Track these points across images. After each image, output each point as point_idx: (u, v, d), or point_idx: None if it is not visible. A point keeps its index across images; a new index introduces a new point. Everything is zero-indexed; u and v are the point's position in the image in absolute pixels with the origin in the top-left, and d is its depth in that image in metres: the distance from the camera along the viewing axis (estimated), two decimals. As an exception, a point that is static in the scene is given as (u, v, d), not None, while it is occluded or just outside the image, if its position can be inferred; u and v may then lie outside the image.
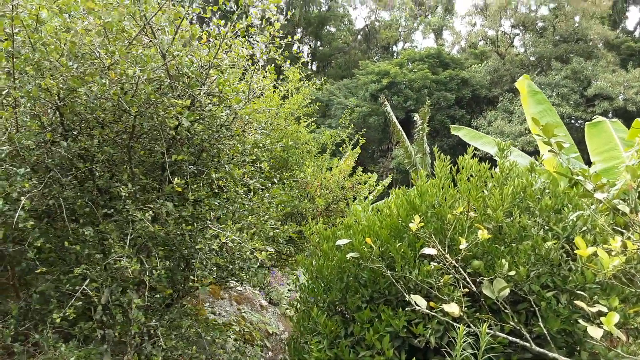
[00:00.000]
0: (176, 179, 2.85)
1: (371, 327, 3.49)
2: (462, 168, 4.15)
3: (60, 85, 2.63)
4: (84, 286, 2.95)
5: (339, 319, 3.94)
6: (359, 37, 50.04)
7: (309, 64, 46.30)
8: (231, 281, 9.20)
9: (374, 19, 50.66)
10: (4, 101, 2.80)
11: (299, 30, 45.45)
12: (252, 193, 3.76)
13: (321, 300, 4.24)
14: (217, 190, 3.21)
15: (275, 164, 7.06)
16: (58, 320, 2.98)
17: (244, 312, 10.21)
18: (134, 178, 3.07)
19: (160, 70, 2.84)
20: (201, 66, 3.10)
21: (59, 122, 2.98)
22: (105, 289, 3.33)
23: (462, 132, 8.46)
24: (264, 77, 3.77)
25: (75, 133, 3.02)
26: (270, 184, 3.81)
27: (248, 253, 2.99)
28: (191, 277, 3.15)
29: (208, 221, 3.17)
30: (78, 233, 3.15)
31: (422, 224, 3.58)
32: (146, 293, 3.03)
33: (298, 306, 4.47)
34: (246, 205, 3.53)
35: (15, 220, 2.69)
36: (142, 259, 3.10)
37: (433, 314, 3.30)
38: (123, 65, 2.70)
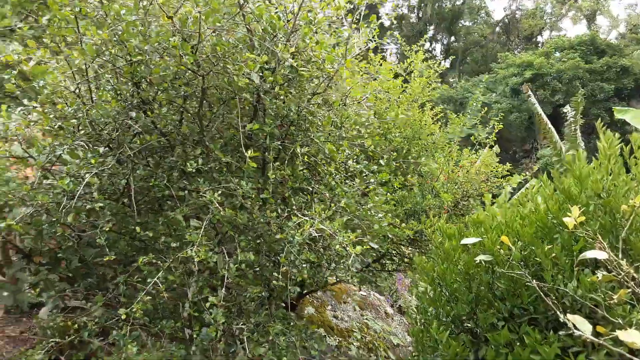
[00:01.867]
0: (250, 150, 2.32)
1: (510, 353, 2.64)
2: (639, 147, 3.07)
3: (115, 40, 2.27)
4: (155, 279, 2.57)
5: (467, 339, 3.15)
6: (498, 29, 46.64)
7: (442, 61, 44.41)
8: (349, 284, 8.63)
9: (515, 8, 46.84)
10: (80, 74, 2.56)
11: (431, 27, 43.79)
12: (356, 179, 3.13)
13: (444, 313, 3.47)
14: (302, 169, 2.62)
15: (396, 157, 6.34)
16: (123, 316, 2.64)
17: (367, 318, 9.60)
18: (208, 154, 2.62)
19: (233, 21, 2.34)
20: (287, 20, 2.55)
21: (136, 93, 2.65)
22: (193, 283, 2.96)
23: (629, 115, 6.89)
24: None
25: (155, 106, 2.67)
26: (375, 167, 3.12)
27: (338, 246, 2.35)
28: (274, 273, 2.60)
29: (294, 207, 2.60)
30: (155, 218, 2.80)
31: (583, 217, 2.63)
32: (222, 290, 2.54)
33: (417, 318, 3.75)
34: (347, 193, 2.88)
35: (74, 201, 2.38)
36: (224, 250, 2.64)
37: (601, 342, 2.34)
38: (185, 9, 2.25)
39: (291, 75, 2.60)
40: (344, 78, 3.15)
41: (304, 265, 2.62)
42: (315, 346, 3.13)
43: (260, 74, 2.29)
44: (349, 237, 2.34)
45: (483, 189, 6.15)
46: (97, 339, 3.02)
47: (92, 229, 3.06)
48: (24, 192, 2.60)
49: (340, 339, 8.39)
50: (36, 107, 2.60)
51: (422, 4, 41.63)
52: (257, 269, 2.84)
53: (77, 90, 2.63)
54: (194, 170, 2.42)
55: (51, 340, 2.93)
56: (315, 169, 2.84)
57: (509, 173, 6.51)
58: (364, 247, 2.38)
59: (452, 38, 45.42)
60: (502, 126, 6.76)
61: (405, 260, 6.67)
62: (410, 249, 6.34)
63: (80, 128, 2.68)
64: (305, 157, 2.52)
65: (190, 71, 2.42)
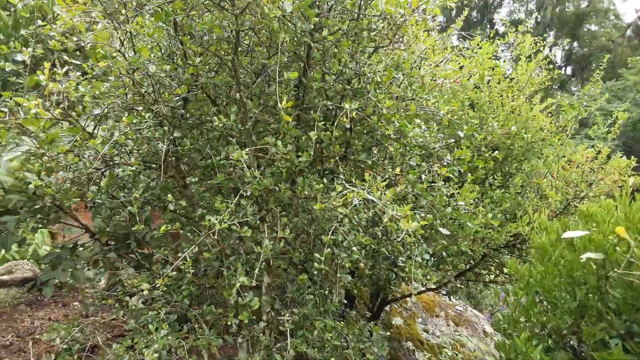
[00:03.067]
0: (283, 101, 1.93)
1: (622, 379, 2.01)
2: None
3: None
4: (186, 253, 2.26)
5: (566, 357, 2.47)
6: (628, 32, 41.93)
7: (563, 68, 40.87)
8: (441, 292, 7.85)
9: (651, 8, 41.83)
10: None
11: (551, 32, 40.65)
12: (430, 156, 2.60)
13: (539, 325, 2.81)
14: (349, 127, 2.15)
15: (497, 156, 5.58)
16: (146, 291, 2.38)
17: (462, 335, 8.75)
18: (246, 111, 2.27)
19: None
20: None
21: (180, 48, 2.41)
22: (240, 264, 2.61)
23: None
24: None
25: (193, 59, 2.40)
26: (453, 141, 2.56)
27: (386, 219, 1.84)
28: (316, 254, 2.16)
29: (341, 176, 2.16)
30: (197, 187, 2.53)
31: None
32: (256, 271, 2.15)
33: (504, 329, 3.14)
34: (415, 169, 2.37)
35: (98, 163, 2.16)
36: (265, 228, 2.27)
37: None
38: None
39: (345, 19, 2.18)
40: (419, 37, 2.68)
41: (352, 249, 2.15)
42: (374, 350, 2.63)
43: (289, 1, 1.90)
44: (403, 210, 1.84)
45: (602, 188, 5.15)
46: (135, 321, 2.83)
47: (143, 204, 2.89)
48: (60, 153, 2.47)
49: (430, 355, 7.67)
50: (77, 63, 2.46)
51: (541, 7, 38.83)
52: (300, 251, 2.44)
53: (122, 48, 2.46)
54: (221, 128, 2.08)
55: (91, 317, 2.81)
56: (377, 138, 2.38)
57: (635, 173, 5.42)
58: (422, 226, 1.84)
59: (575, 43, 41.72)
60: (626, 117, 5.67)
61: (505, 271, 5.85)
62: (509, 257, 5.53)
63: (123, 88, 2.50)
64: (354, 113, 2.06)
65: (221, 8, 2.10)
